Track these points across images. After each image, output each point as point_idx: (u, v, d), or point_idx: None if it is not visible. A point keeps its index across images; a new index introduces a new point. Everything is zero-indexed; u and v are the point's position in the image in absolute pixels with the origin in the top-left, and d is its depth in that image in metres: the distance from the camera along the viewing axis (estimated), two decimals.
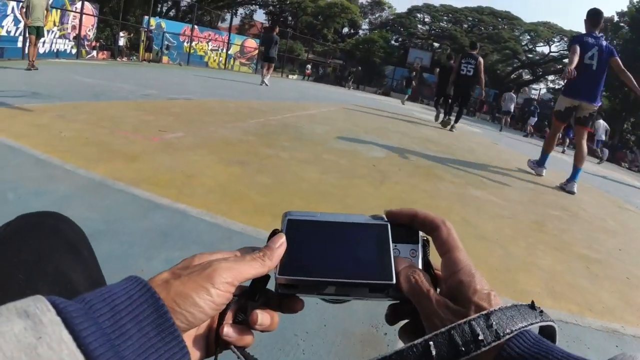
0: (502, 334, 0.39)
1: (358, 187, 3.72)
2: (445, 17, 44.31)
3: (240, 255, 0.46)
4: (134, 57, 21.92)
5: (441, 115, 11.76)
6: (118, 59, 20.16)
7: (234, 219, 2.52)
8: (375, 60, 40.57)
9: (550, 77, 43.53)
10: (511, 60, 42.97)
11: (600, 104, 5.68)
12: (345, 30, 50.54)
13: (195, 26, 24.55)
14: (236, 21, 43.68)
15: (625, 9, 33.28)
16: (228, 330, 0.45)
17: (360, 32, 50.67)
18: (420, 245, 0.51)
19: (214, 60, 25.58)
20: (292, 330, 1.60)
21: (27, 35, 10.76)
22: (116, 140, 3.82)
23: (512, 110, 20.80)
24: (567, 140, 15.76)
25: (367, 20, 51.70)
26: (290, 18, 48.74)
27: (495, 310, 0.41)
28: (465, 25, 43.41)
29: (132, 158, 3.35)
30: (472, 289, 0.44)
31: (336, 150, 5.09)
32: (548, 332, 0.43)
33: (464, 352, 0.38)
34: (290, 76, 33.50)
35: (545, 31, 39.80)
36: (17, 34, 13.58)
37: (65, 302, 0.32)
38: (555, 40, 40.21)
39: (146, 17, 22.53)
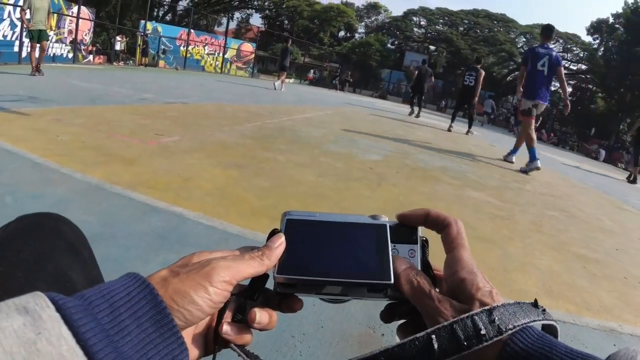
0: (504, 329, 0.39)
1: (355, 190, 3.73)
2: (441, 20, 44.41)
3: (239, 254, 0.45)
4: (131, 62, 21.91)
5: (416, 109, 15.13)
6: (115, 63, 20.15)
7: (231, 222, 2.52)
8: (371, 64, 40.63)
9: None
10: (507, 62, 43.06)
11: (547, 103, 7.18)
12: (342, 33, 50.64)
13: (192, 30, 24.54)
14: (232, 25, 43.79)
15: (620, 11, 33.42)
16: (227, 329, 0.45)
17: (357, 35, 50.78)
18: (419, 245, 0.51)
19: (211, 64, 25.59)
20: (289, 332, 1.59)
21: (27, 39, 10.40)
22: (113, 144, 3.82)
23: (490, 112, 26.90)
24: (516, 130, 17.29)
25: (363, 23, 51.84)
26: (286, 22, 48.81)
27: (498, 306, 0.41)
28: (461, 28, 43.52)
29: (129, 162, 3.34)
30: (474, 287, 0.44)
31: (333, 153, 5.10)
32: (550, 332, 0.43)
33: (466, 346, 0.38)
34: (287, 80, 33.52)
35: None
36: (13, 38, 13.55)
37: (64, 299, 0.32)
38: (551, 42, 40.41)
39: (142, 22, 22.53)
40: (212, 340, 0.45)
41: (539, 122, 7.33)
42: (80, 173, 2.90)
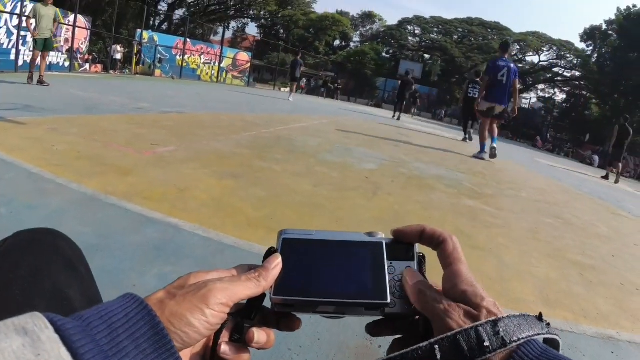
0: (508, 342, 0.39)
1: (351, 199, 3.73)
2: (435, 29, 44.67)
3: (236, 275, 0.46)
4: (127, 71, 21.92)
5: (397, 114, 17.64)
6: (111, 72, 20.16)
7: (227, 232, 2.51)
8: (366, 72, 40.77)
9: (541, 86, 43.93)
10: None
11: (507, 106, 8.68)
12: (337, 42, 50.88)
13: (188, 39, 24.59)
14: (228, 34, 43.88)
15: (614, 17, 33.68)
16: (225, 349, 0.45)
17: (352, 44, 51.04)
18: (415, 262, 0.51)
19: (207, 74, 25.63)
20: (286, 345, 1.59)
21: (32, 47, 10.17)
22: (109, 154, 3.81)
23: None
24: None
25: (358, 32, 52.15)
26: (282, 31, 49.01)
27: (503, 317, 0.41)
28: (456, 37, 43.77)
29: (124, 172, 3.33)
30: (479, 297, 0.44)
31: (329, 163, 5.10)
32: (552, 346, 0.43)
33: (469, 357, 0.38)
34: (282, 89, 33.60)
35: (535, 41, 40.21)
36: (10, 47, 13.54)
37: (63, 320, 0.32)
38: (545, 49, 40.63)
39: (139, 31, 22.58)
40: None
41: (503, 120, 9.09)
42: (75, 183, 2.89)
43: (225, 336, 0.46)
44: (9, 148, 3.46)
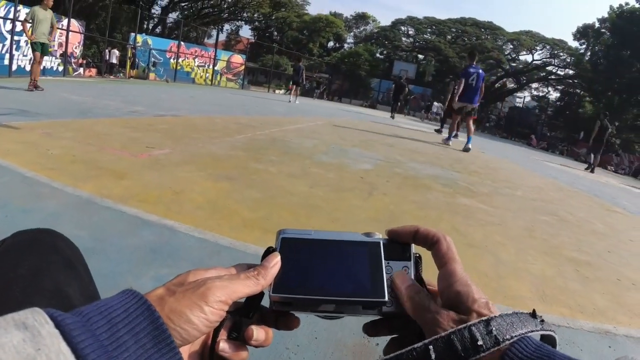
0: (501, 340, 0.39)
1: (347, 200, 3.73)
2: (429, 29, 44.79)
3: (235, 274, 0.46)
4: (121, 74, 21.88)
5: (393, 114, 19.11)
6: (107, 75, 20.12)
7: (223, 234, 2.51)
8: (360, 73, 40.81)
9: (534, 85, 44.08)
10: (495, 69, 43.48)
11: (477, 104, 10.27)
12: (331, 44, 50.96)
13: (182, 42, 24.58)
14: (222, 37, 43.88)
15: (606, 15, 33.82)
16: (224, 346, 0.45)
17: (346, 45, 51.14)
18: (412, 262, 0.52)
19: (201, 77, 25.61)
20: (284, 344, 1.58)
21: (25, 53, 10.06)
22: (104, 157, 3.80)
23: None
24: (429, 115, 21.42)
25: (352, 34, 52.27)
26: (276, 33, 49.03)
27: (495, 316, 0.41)
28: (449, 37, 43.90)
29: (120, 175, 3.33)
30: (470, 298, 0.44)
31: (324, 164, 5.10)
32: (548, 342, 0.43)
33: (463, 357, 0.39)
34: (277, 91, 33.62)
35: (528, 40, 40.35)
36: (3, 51, 13.48)
37: (63, 315, 0.32)
38: (538, 48, 40.79)
39: (132, 34, 22.54)
40: (208, 358, 0.45)
41: (474, 114, 10.53)
42: (71, 187, 2.88)
43: (223, 334, 0.46)
44: (3, 152, 3.44)
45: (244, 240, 2.47)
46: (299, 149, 5.89)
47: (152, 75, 22.40)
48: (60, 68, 16.52)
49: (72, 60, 17.64)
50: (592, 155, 15.17)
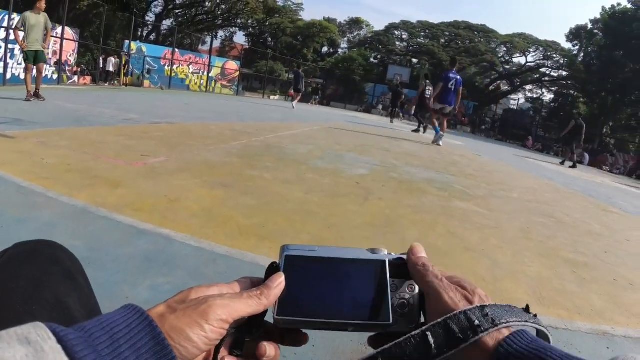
0: (498, 322, 0.40)
1: (342, 206, 3.73)
2: (422, 33, 44.93)
3: (238, 293, 0.46)
4: (115, 82, 21.85)
5: (392, 119, 19.61)
6: (100, 83, 20.09)
7: (219, 242, 2.50)
8: (355, 78, 40.89)
9: (528, 87, 44.25)
10: (489, 72, 43.65)
11: (454, 106, 11.35)
12: (325, 49, 51.04)
13: (176, 49, 24.60)
14: (216, 44, 43.92)
15: (599, 17, 34.00)
16: None
17: (340, 50, 51.23)
18: None
19: (196, 83, 25.60)
20: (281, 351, 1.58)
21: (23, 61, 9.40)
22: (99, 166, 3.79)
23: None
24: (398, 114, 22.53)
25: (345, 39, 52.39)
26: (270, 39, 49.11)
27: (490, 304, 0.42)
28: (443, 40, 44.05)
29: (115, 184, 3.32)
30: (473, 285, 0.47)
31: (319, 169, 5.10)
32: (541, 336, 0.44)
33: (462, 339, 0.39)
34: (272, 97, 33.64)
35: (521, 42, 40.53)
36: None
37: (65, 330, 0.32)
38: (531, 50, 40.96)
39: (127, 42, 22.53)
40: None
41: (450, 117, 12.20)
42: (66, 196, 2.87)
43: (224, 351, 0.46)
44: None
45: (240, 248, 2.46)
46: (294, 155, 5.89)
47: (146, 83, 22.39)
48: (55, 76, 16.47)
49: (67, 68, 17.60)
50: (572, 152, 16.13)
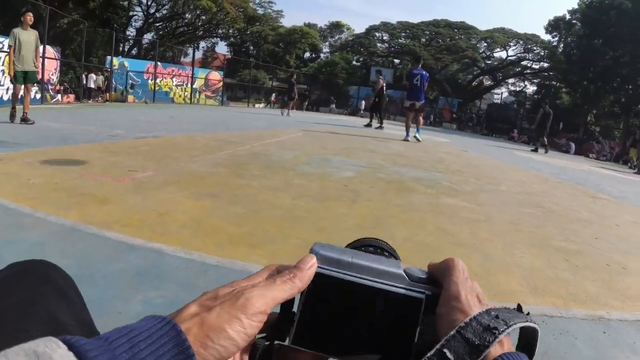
0: (510, 323, 0.39)
1: (331, 209, 3.73)
2: (403, 34, 45.06)
3: (270, 279, 0.43)
4: (99, 98, 21.70)
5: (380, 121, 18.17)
6: (90, 101, 19.94)
7: (209, 252, 2.49)
8: (338, 82, 40.94)
9: (511, 81, 44.56)
10: (471, 68, 43.91)
11: (424, 101, 12.08)
12: (307, 54, 51.08)
13: (159, 63, 24.48)
14: (199, 55, 43.79)
15: (576, 7, 34.33)
16: None
17: (322, 55, 51.27)
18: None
19: (180, 96, 25.48)
20: None
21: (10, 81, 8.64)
22: (86, 183, 3.76)
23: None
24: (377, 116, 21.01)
25: (327, 43, 52.42)
26: (252, 47, 49.09)
27: (489, 308, 0.41)
28: (423, 39, 44.19)
29: (102, 201, 3.30)
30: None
31: (307, 174, 5.10)
32: (532, 336, 0.43)
33: (482, 345, 0.37)
34: (256, 105, 33.61)
35: (501, 37, 40.78)
36: None
37: (78, 338, 0.30)
38: (512, 44, 41.22)
39: (109, 57, 22.41)
40: None
41: (421, 112, 12.41)
42: (54, 215, 2.84)
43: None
44: None
45: (230, 257, 2.46)
46: (281, 162, 5.89)
47: (130, 98, 22.24)
48: (38, 96, 16.30)
49: (50, 87, 17.46)
50: (539, 139, 17.38)
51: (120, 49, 34.15)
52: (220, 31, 45.00)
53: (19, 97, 8.42)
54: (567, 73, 34.45)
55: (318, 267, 0.45)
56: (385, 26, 45.23)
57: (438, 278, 0.47)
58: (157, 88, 23.41)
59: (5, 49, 8.50)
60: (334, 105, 35.88)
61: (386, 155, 7.92)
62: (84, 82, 21.63)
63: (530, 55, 41.24)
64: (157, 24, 40.36)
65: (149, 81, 23.31)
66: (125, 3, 35.13)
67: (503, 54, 42.56)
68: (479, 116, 35.94)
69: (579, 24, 34.35)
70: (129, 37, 36.81)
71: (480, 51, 42.55)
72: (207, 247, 2.58)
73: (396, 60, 45.80)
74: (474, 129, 33.53)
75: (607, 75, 30.89)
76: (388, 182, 5.14)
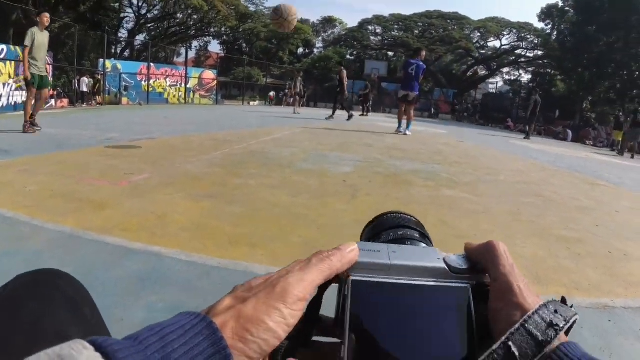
0: (568, 318, 0.38)
1: (330, 205, 3.71)
2: (396, 26, 44.99)
3: (306, 262, 0.40)
4: (93, 102, 21.62)
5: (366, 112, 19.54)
6: (78, 104, 19.86)
7: (210, 254, 2.48)
8: (333, 77, 40.88)
9: (506, 70, 44.58)
10: (465, 58, 43.91)
11: (417, 93, 11.56)
12: (300, 50, 50.97)
13: (151, 64, 24.39)
14: (192, 54, 43.67)
15: None
16: None
17: (315, 50, 51.17)
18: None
19: (174, 96, 25.39)
20: None
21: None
22: (83, 189, 3.74)
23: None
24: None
25: (320, 38, 52.32)
26: (245, 45, 48.94)
27: (547, 302, 0.40)
28: (417, 31, 44.13)
29: (100, 206, 3.27)
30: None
31: (305, 171, 5.08)
32: (572, 325, 0.42)
33: (546, 341, 0.36)
34: (251, 103, 33.53)
35: (494, 26, 40.76)
36: None
37: (105, 338, 0.29)
38: (505, 33, 41.22)
39: (101, 60, 22.31)
40: None
41: (415, 102, 11.92)
42: (51, 223, 2.82)
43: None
44: None
45: (232, 258, 2.44)
46: (278, 159, 5.87)
47: (124, 100, 22.17)
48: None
49: None
50: (528, 126, 18.93)
51: (113, 51, 34.02)
52: (212, 30, 44.82)
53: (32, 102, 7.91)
54: (562, 60, 34.46)
55: (354, 273, 0.41)
56: (378, 19, 45.18)
57: (479, 262, 0.45)
58: (150, 89, 23.33)
59: None
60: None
61: (383, 149, 7.90)
62: (77, 86, 21.54)
63: (524, 43, 41.27)
64: (149, 25, 40.16)
65: (143, 83, 23.22)
66: (116, 5, 34.92)
67: (497, 44, 42.60)
68: (474, 106, 35.96)
69: (572, 10, 34.32)
70: (121, 39, 36.69)
71: (474, 41, 42.54)
72: (207, 248, 2.56)
73: (390, 53, 45.75)
74: (470, 119, 33.55)
75: (602, 61, 30.90)
76: (386, 176, 5.13)
